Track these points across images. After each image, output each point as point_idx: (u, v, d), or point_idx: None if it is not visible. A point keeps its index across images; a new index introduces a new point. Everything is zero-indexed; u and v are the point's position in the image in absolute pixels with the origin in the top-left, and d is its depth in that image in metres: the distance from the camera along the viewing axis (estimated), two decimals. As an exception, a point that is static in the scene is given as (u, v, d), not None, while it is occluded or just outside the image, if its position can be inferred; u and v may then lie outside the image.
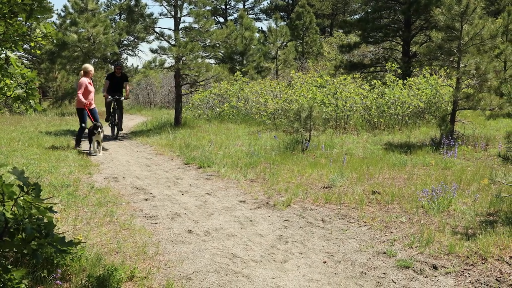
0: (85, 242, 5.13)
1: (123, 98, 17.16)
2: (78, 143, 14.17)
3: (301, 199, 8.16)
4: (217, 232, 6.55)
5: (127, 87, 17.29)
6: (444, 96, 18.29)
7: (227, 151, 12.94)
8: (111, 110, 17.16)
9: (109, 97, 16.77)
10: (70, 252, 4.56)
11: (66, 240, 3.74)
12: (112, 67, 19.50)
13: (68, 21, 30.65)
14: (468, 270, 5.13)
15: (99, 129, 13.08)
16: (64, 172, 10.28)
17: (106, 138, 16.15)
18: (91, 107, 13.98)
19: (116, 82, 16.98)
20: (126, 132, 19.31)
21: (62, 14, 32.68)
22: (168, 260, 5.45)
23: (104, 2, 74.20)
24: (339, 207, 7.67)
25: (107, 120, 17.42)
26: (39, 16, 4.52)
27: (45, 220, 3.72)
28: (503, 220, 6.43)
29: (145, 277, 4.91)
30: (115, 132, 17.26)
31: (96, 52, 29.71)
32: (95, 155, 13.07)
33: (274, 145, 13.38)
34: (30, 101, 5.11)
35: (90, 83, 14.04)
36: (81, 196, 8.22)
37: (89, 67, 14.27)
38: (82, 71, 14.28)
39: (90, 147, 13.54)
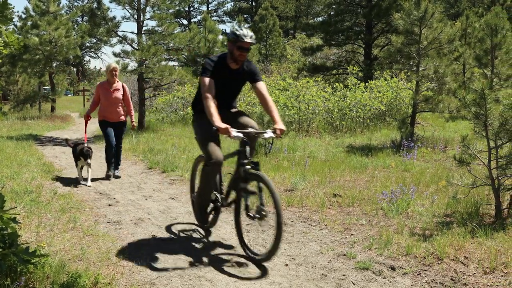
0: (48, 255, 5.13)
1: (270, 133, 6.10)
2: (108, 166, 10.95)
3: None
4: (181, 236, 6.62)
5: (268, 97, 6.44)
6: (405, 99, 18.63)
7: (191, 155, 12.97)
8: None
9: (232, 133, 5.78)
10: (34, 262, 4.57)
11: (30, 248, 3.78)
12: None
13: (29, 23, 30.31)
14: (425, 270, 5.29)
15: (89, 153, 10.12)
16: (27, 178, 10.21)
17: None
18: (114, 120, 10.85)
19: (231, 81, 6.53)
20: (89, 137, 19.18)
21: (23, 16, 32.27)
22: (132, 266, 5.50)
23: (66, 4, 73.67)
24: (301, 210, 7.79)
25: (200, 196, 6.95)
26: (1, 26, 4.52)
27: (9, 231, 3.75)
28: (458, 221, 6.63)
29: (109, 283, 4.94)
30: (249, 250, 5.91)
31: (58, 55, 29.47)
32: (86, 184, 10.05)
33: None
34: (-8, 109, 5.11)
35: (109, 88, 10.74)
36: (44, 202, 8.18)
37: (110, 65, 10.97)
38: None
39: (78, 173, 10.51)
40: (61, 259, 5.25)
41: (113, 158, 10.91)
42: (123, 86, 11.01)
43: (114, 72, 10.75)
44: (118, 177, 10.86)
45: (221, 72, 6.27)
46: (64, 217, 7.35)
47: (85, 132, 11.01)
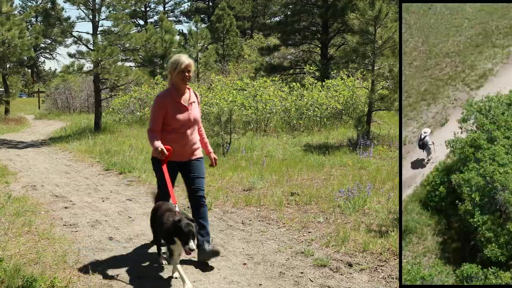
0: (2, 260, 5.05)
1: None
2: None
3: (221, 202, 8.27)
4: (138, 238, 6.57)
5: None
6: (361, 98, 18.82)
7: (148, 156, 12.83)
8: None
9: None
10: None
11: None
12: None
13: (-20, 24, 29.68)
14: (381, 266, 5.38)
15: (191, 232, 4.84)
16: (-21, 181, 10.02)
17: None
18: (186, 159, 5.78)
19: None
20: (45, 139, 18.90)
21: (-26, 16, 31.52)
22: (88, 268, 5.43)
23: (19, 4, 72.18)
24: (259, 209, 7.82)
25: None
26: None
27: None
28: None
29: (66, 286, 4.88)
30: None
31: (11, 56, 28.93)
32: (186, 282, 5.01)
33: (195, 149, 13.41)
34: None
35: (181, 103, 5.66)
36: (-2, 206, 8.04)
37: (181, 60, 5.56)
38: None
39: (160, 252, 5.75)
40: (16, 263, 5.18)
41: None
42: (196, 96, 5.98)
43: (187, 74, 5.65)
44: (216, 253, 5.62)
45: None
46: (19, 220, 7.23)
47: (170, 185, 5.49)
